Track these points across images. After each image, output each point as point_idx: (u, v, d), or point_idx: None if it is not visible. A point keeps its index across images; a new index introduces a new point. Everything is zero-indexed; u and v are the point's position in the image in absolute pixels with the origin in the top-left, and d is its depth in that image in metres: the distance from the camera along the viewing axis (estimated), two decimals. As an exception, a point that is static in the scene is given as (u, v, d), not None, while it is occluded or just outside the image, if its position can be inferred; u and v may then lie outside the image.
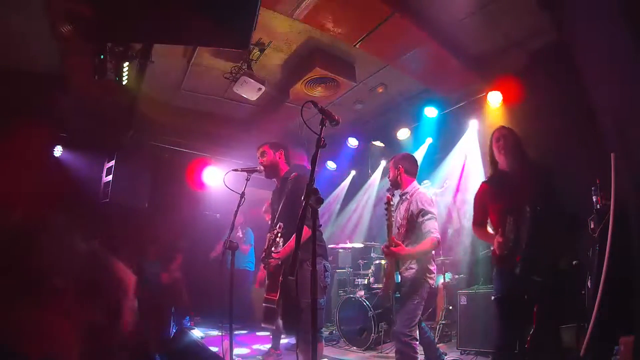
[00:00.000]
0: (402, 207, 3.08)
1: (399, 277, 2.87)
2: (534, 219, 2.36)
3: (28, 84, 4.92)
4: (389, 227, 2.85)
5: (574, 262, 2.98)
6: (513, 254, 2.42)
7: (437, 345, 4.17)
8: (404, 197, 3.13)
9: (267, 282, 3.02)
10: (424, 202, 2.95)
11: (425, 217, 2.90)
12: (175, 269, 6.24)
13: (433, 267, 3.01)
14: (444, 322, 4.54)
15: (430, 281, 2.95)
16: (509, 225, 2.44)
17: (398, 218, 3.10)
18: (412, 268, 2.95)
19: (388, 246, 2.82)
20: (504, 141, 2.68)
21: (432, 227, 2.88)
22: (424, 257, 2.95)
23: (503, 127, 2.81)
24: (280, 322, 2.97)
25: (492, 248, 2.64)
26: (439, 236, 2.90)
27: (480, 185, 2.85)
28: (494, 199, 2.69)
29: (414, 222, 2.96)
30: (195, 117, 6.23)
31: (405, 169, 3.16)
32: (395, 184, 3.17)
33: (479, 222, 2.84)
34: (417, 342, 2.86)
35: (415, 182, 3.18)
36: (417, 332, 2.89)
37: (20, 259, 0.86)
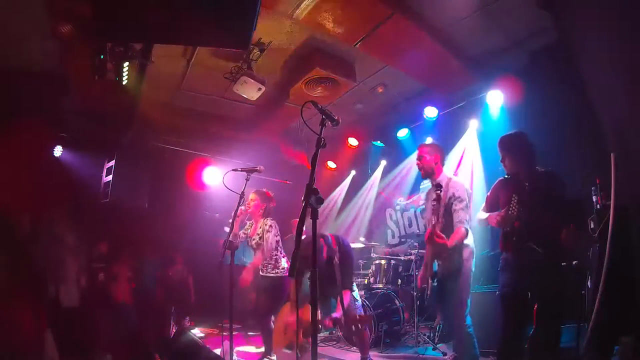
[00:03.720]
0: (436, 197, 3.07)
1: (437, 265, 2.94)
2: (532, 192, 2.64)
3: (28, 84, 4.92)
4: (435, 220, 2.91)
5: (574, 262, 2.98)
6: (512, 225, 2.64)
7: (437, 345, 4.19)
8: (436, 187, 3.10)
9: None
10: (460, 190, 2.99)
11: (459, 207, 2.93)
12: (181, 268, 6.24)
13: (472, 251, 3.02)
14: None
15: (470, 266, 2.99)
16: (513, 202, 2.65)
17: (432, 208, 3.08)
18: (448, 257, 2.96)
19: (432, 235, 2.86)
20: (506, 149, 2.83)
21: (463, 218, 2.92)
22: (460, 245, 2.96)
23: (503, 136, 2.90)
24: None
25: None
26: (468, 227, 2.93)
27: (498, 180, 3.01)
28: (504, 188, 2.87)
29: (448, 211, 2.98)
30: (195, 117, 6.23)
31: (442, 160, 3.20)
32: (430, 173, 3.18)
33: (487, 210, 2.98)
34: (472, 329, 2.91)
35: (445, 171, 3.20)
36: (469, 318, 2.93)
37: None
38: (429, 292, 3.02)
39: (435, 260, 2.95)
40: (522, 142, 2.81)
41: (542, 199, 2.61)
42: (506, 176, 2.94)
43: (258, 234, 3.93)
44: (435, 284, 2.95)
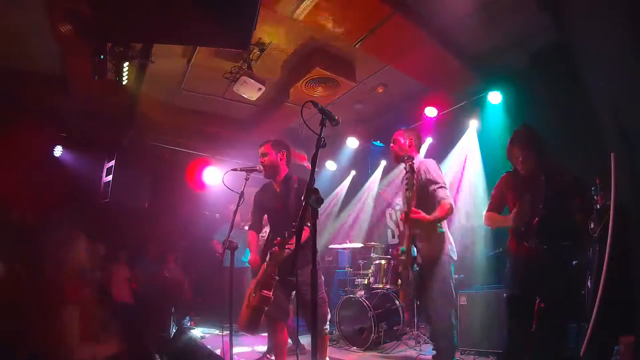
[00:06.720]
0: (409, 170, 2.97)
1: (415, 250, 2.81)
2: (548, 186, 2.61)
3: (28, 84, 4.93)
4: (409, 195, 2.77)
5: (574, 262, 2.98)
6: (529, 223, 2.61)
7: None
8: (408, 161, 2.98)
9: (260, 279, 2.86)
10: (431, 171, 2.88)
11: (436, 186, 2.82)
12: (172, 267, 6.25)
13: (448, 236, 2.89)
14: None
15: (448, 252, 2.85)
16: (526, 198, 2.64)
17: (407, 183, 2.98)
18: (426, 244, 2.85)
19: (408, 213, 2.74)
20: (523, 145, 2.78)
21: (443, 195, 2.79)
22: (435, 232, 2.84)
23: (518, 129, 2.86)
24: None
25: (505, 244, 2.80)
26: (452, 202, 2.81)
27: (502, 176, 2.94)
28: (513, 186, 2.83)
29: (424, 193, 2.86)
30: (195, 117, 6.23)
31: (415, 143, 3.09)
32: (403, 156, 3.03)
33: (492, 209, 2.92)
34: (454, 331, 2.78)
35: (419, 155, 3.09)
36: (454, 317, 2.79)
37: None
38: (409, 279, 2.86)
39: (414, 246, 2.82)
40: (536, 136, 2.78)
41: (558, 194, 2.61)
42: (512, 171, 2.87)
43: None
44: (417, 269, 2.80)
